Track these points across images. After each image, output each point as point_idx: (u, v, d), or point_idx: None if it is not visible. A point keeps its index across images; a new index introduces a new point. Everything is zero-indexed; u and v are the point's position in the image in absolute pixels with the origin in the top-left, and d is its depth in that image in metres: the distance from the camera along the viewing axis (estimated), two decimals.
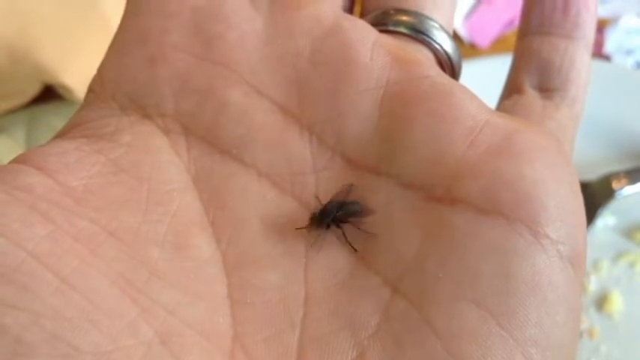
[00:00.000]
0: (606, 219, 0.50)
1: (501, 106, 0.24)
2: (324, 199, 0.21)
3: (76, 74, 0.55)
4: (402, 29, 0.23)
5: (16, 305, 0.16)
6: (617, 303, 0.46)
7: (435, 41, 0.23)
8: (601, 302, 0.46)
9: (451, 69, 0.24)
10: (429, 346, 0.18)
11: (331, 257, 0.20)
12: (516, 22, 0.69)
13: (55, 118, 0.57)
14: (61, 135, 0.21)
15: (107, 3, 0.55)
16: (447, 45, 0.23)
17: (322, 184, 0.21)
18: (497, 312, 0.18)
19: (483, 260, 0.19)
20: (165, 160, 0.21)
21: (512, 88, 0.25)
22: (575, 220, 0.20)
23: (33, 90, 0.56)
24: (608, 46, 0.63)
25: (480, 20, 0.66)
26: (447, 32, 0.23)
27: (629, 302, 0.46)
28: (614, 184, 0.51)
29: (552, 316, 0.18)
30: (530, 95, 0.24)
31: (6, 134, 0.55)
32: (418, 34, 0.23)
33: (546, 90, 0.24)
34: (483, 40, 0.66)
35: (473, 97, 0.21)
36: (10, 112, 0.57)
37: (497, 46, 0.67)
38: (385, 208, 0.21)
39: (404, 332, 0.19)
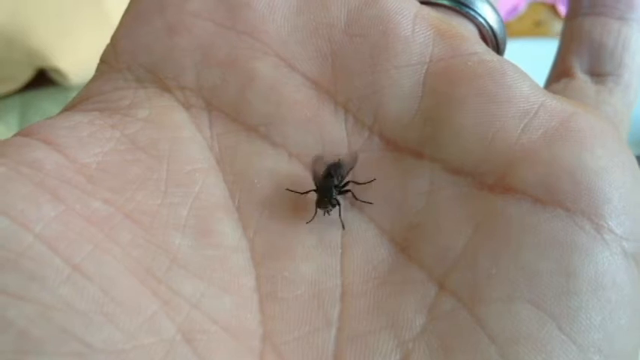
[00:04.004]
0: None
1: (550, 91, 0.22)
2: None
3: (70, 58, 0.54)
4: (444, 1, 0.21)
5: (21, 296, 0.14)
6: None
7: (479, 14, 0.21)
8: None
9: (495, 45, 0.22)
10: (482, 350, 0.16)
11: (369, 248, 0.19)
12: (519, 9, 0.68)
13: (48, 104, 0.55)
14: (71, 107, 0.20)
15: None
16: (491, 19, 0.22)
17: (359, 166, 0.19)
18: (557, 314, 0.16)
19: (542, 256, 0.17)
20: (186, 137, 0.19)
21: (561, 72, 0.23)
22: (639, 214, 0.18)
23: (26, 75, 0.56)
24: None
25: None
26: (491, 4, 0.22)
27: None
28: None
29: (616, 320, 0.17)
30: (582, 79, 0.22)
31: None
32: (461, 6, 0.21)
33: (598, 74, 0.22)
34: None
35: (525, 76, 0.19)
36: (3, 97, 0.55)
37: None
38: (429, 195, 0.19)
39: (452, 334, 0.17)
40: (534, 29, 0.70)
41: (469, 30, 0.22)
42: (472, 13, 0.21)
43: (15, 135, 0.18)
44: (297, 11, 0.20)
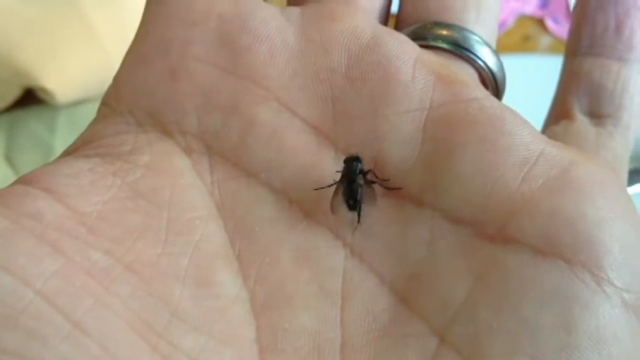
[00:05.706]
0: None
1: (550, 133, 0.22)
2: None
3: (57, 77, 0.53)
4: (443, 44, 0.21)
5: (22, 354, 0.14)
6: None
7: (479, 58, 0.21)
8: None
9: (495, 88, 0.22)
10: None
11: (370, 298, 0.18)
12: (507, 24, 0.68)
13: (35, 123, 0.55)
14: (72, 152, 0.19)
15: (88, 4, 0.53)
16: (490, 61, 0.22)
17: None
18: None
19: (542, 309, 0.17)
20: (186, 184, 0.19)
21: (559, 113, 0.23)
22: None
23: (13, 94, 0.55)
24: None
25: None
26: (490, 47, 0.22)
27: None
28: None
29: None
30: (581, 121, 0.22)
31: None
32: (460, 49, 0.21)
33: (597, 116, 0.22)
34: None
35: (525, 122, 0.19)
36: None
37: None
38: (429, 245, 0.19)
39: None
40: (522, 44, 0.70)
41: (469, 74, 0.21)
42: (471, 56, 0.21)
43: (16, 182, 0.18)
44: (298, 55, 0.20)
